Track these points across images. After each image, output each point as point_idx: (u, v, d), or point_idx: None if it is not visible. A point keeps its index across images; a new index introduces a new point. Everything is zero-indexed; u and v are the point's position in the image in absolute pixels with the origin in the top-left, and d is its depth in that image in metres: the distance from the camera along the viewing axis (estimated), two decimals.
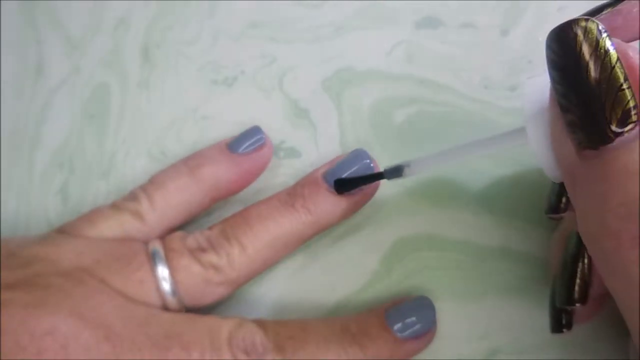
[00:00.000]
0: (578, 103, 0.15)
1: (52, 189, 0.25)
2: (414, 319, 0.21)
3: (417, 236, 0.23)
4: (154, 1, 0.26)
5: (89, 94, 0.26)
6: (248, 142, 0.24)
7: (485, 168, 0.23)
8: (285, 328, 0.21)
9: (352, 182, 0.22)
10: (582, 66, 0.14)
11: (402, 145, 0.24)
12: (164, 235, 0.22)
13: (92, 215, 0.23)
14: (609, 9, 0.17)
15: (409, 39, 0.25)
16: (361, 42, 0.25)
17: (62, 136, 0.26)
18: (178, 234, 0.22)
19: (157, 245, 0.21)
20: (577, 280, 0.18)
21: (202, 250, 0.21)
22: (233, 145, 0.24)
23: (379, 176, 0.21)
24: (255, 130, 0.24)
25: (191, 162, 0.23)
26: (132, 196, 0.23)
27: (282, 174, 0.25)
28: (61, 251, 0.21)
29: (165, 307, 0.21)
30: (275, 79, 0.25)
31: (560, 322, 0.19)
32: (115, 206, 0.23)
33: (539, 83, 0.17)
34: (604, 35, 0.14)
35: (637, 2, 0.17)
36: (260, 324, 0.21)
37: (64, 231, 0.22)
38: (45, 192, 0.25)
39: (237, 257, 0.21)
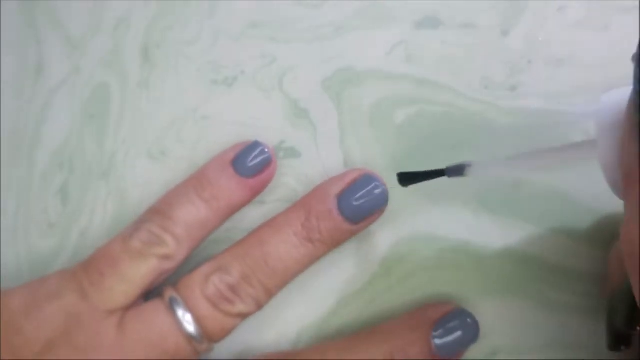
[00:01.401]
0: None
1: (52, 189, 0.26)
2: (461, 340, 0.21)
3: (417, 236, 0.23)
4: (154, 1, 0.26)
5: (89, 94, 0.26)
6: (255, 161, 0.23)
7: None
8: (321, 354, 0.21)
9: (414, 177, 0.22)
10: None
11: (402, 145, 0.24)
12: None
13: (119, 268, 0.21)
14: None
15: (409, 39, 0.25)
16: (361, 42, 0.25)
17: (62, 136, 0.26)
18: (196, 282, 0.21)
19: (180, 302, 0.21)
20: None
21: (229, 302, 0.21)
22: (240, 167, 0.23)
23: (441, 173, 0.21)
24: (258, 146, 0.23)
25: (205, 193, 0.23)
26: (155, 238, 0.22)
27: (282, 174, 0.25)
28: (95, 345, 0.21)
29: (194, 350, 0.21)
30: (275, 79, 0.25)
31: (619, 340, 0.19)
32: (138, 251, 0.22)
33: (618, 94, 0.17)
34: None
35: None
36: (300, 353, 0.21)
37: (92, 300, 0.21)
38: (45, 192, 0.26)
39: (263, 299, 0.22)
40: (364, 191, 0.22)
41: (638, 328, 0.18)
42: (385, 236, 0.23)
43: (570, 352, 0.22)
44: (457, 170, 0.21)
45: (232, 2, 0.26)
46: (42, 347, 0.21)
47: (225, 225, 0.24)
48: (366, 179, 0.23)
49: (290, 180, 0.24)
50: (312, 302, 0.24)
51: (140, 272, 0.21)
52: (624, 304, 0.18)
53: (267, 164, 0.23)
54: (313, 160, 0.25)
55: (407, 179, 0.22)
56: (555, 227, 0.23)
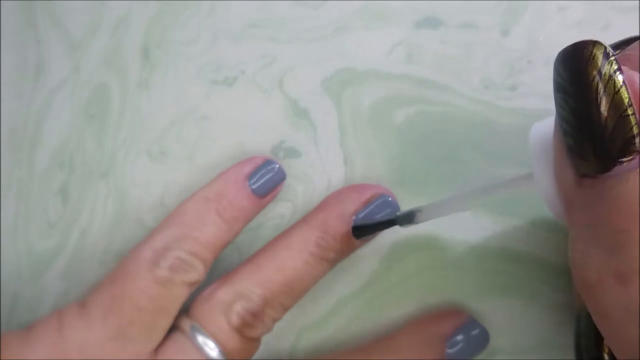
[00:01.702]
0: (578, 127, 0.14)
1: (52, 189, 0.25)
2: (472, 352, 0.21)
3: (416, 236, 0.23)
4: (154, 1, 0.26)
5: (89, 94, 0.26)
6: (271, 182, 0.23)
7: (485, 168, 0.23)
8: None
9: (367, 228, 0.22)
10: (585, 88, 0.14)
11: (402, 145, 0.24)
12: None
13: (157, 300, 0.20)
14: (617, 52, 0.16)
15: (409, 39, 0.25)
16: (361, 42, 0.25)
17: (62, 136, 0.26)
18: (217, 310, 0.21)
19: (201, 331, 0.20)
20: None
21: (251, 326, 0.21)
22: (258, 188, 0.23)
23: (392, 223, 0.21)
24: (272, 165, 0.23)
25: (227, 215, 0.22)
26: (184, 264, 0.21)
27: None
28: None
29: None
30: (275, 79, 0.25)
31: None
32: (171, 281, 0.20)
33: (547, 123, 0.16)
34: (611, 58, 0.14)
35: None
36: None
37: (130, 338, 0.19)
38: (45, 192, 0.26)
39: (280, 317, 0.22)
40: (380, 213, 0.22)
41: (605, 356, 0.17)
42: (385, 236, 0.23)
43: (570, 352, 0.22)
44: (407, 218, 0.21)
45: (232, 2, 0.26)
46: None
47: None
48: (383, 203, 0.22)
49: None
50: (312, 302, 0.24)
51: (178, 302, 0.21)
52: (590, 326, 0.18)
53: (279, 182, 0.23)
54: (313, 160, 0.25)
55: (361, 231, 0.22)
56: (554, 227, 0.23)
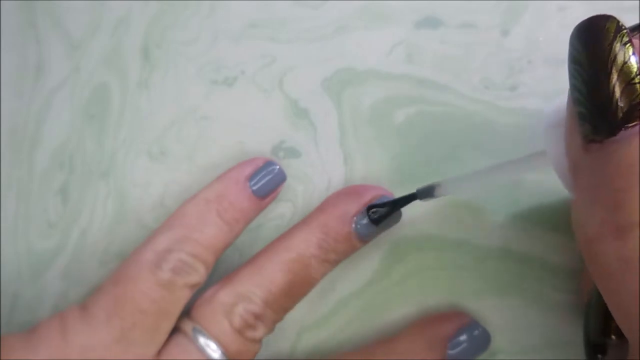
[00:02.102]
0: (588, 95, 0.15)
1: (52, 189, 0.25)
2: (473, 354, 0.21)
3: (417, 236, 0.23)
4: (154, 1, 0.26)
5: (89, 94, 0.26)
6: (271, 184, 0.23)
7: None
8: None
9: (387, 208, 0.22)
10: (596, 58, 0.15)
11: (402, 145, 0.24)
12: None
13: (160, 302, 0.20)
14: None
15: (409, 39, 0.25)
16: (361, 42, 0.25)
17: (62, 136, 0.26)
18: (218, 312, 0.21)
19: (204, 334, 0.20)
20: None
21: (252, 328, 0.21)
22: (258, 190, 0.23)
23: (412, 197, 0.21)
24: (272, 166, 0.23)
25: (228, 216, 0.22)
26: (186, 267, 0.21)
27: None
28: None
29: None
30: (275, 79, 0.25)
31: (596, 350, 0.19)
32: (173, 283, 0.20)
33: (560, 103, 0.17)
34: (623, 31, 0.15)
35: None
36: None
37: (133, 341, 0.19)
38: (45, 192, 0.26)
39: (281, 318, 0.22)
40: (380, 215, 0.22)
41: (613, 337, 0.18)
42: (385, 236, 0.23)
43: (570, 352, 0.22)
44: (427, 192, 0.21)
45: (232, 2, 0.26)
46: None
47: None
48: (384, 200, 0.22)
49: (290, 180, 0.24)
50: (312, 302, 0.24)
51: (180, 304, 0.21)
52: (598, 313, 0.19)
53: (280, 183, 0.24)
54: (313, 160, 0.25)
55: (380, 213, 0.22)
56: (555, 227, 0.23)
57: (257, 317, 0.21)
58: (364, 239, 0.22)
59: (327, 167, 0.24)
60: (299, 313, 0.23)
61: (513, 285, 0.23)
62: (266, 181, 0.23)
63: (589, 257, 0.15)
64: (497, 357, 0.22)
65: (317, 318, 0.24)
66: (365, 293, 0.23)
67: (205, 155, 0.25)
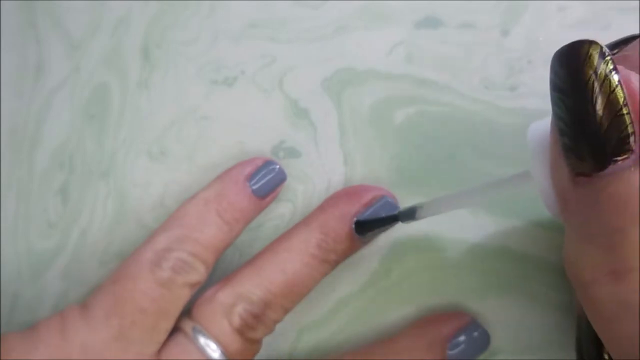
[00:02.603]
0: (574, 126, 0.14)
1: (52, 189, 0.25)
2: (473, 354, 0.21)
3: (416, 236, 0.23)
4: (154, 1, 0.26)
5: (89, 94, 0.26)
6: (272, 183, 0.23)
7: (485, 168, 0.23)
8: None
9: (369, 224, 0.22)
10: (580, 87, 0.14)
11: (402, 145, 0.24)
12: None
13: (159, 301, 0.20)
14: (615, 51, 0.16)
15: (409, 39, 0.25)
16: (361, 42, 0.25)
17: (62, 136, 0.26)
18: (218, 312, 0.21)
19: (203, 333, 0.20)
20: None
21: (252, 328, 0.21)
22: (258, 189, 0.23)
23: (394, 219, 0.21)
24: (272, 165, 0.23)
25: (228, 216, 0.22)
26: (186, 266, 0.21)
27: None
28: None
29: None
30: (275, 79, 0.25)
31: None
32: (170, 281, 0.20)
33: (544, 123, 0.17)
34: (607, 57, 0.14)
35: None
36: None
37: (131, 339, 0.19)
38: (45, 192, 0.26)
39: (281, 319, 0.22)
40: (381, 213, 0.22)
41: (605, 357, 0.17)
42: (385, 236, 0.23)
43: (570, 352, 0.22)
44: (408, 214, 0.21)
45: (232, 2, 0.26)
46: None
47: None
48: (385, 204, 0.22)
49: (290, 180, 0.24)
50: (312, 302, 0.24)
51: (180, 303, 0.21)
52: (589, 332, 0.18)
53: (280, 183, 0.24)
54: (313, 160, 0.25)
55: (363, 227, 0.22)
56: (554, 227, 0.23)
57: (257, 317, 0.21)
58: (364, 239, 0.22)
59: (327, 167, 0.24)
60: (299, 313, 0.23)
61: (513, 285, 0.23)
62: (266, 181, 0.23)
63: (584, 299, 0.15)
64: (497, 357, 0.22)
65: (317, 318, 0.24)
66: (365, 293, 0.23)
67: (205, 155, 0.25)
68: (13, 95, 0.26)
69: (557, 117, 0.15)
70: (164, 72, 0.26)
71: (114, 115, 0.26)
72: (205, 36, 0.26)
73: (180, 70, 0.26)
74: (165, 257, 0.21)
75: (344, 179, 0.24)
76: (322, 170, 0.24)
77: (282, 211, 0.24)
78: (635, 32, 0.23)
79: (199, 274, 0.21)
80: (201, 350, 0.20)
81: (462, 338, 0.21)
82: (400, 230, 0.23)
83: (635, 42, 0.16)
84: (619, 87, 0.13)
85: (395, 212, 0.21)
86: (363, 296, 0.23)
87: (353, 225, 0.22)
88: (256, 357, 0.23)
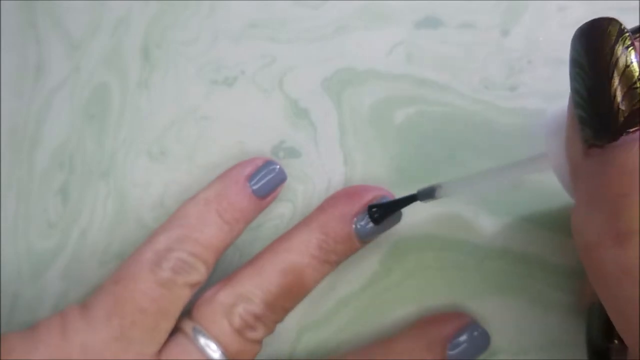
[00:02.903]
0: (589, 99, 0.15)
1: (52, 188, 0.25)
2: (472, 354, 0.21)
3: (416, 236, 0.23)
4: (154, 1, 0.26)
5: (89, 94, 0.26)
6: (272, 183, 0.23)
7: (485, 168, 0.23)
8: None
9: (388, 208, 0.22)
10: (598, 62, 0.15)
11: (402, 145, 0.24)
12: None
13: (160, 301, 0.20)
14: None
15: (409, 39, 0.25)
16: (361, 42, 0.25)
17: (62, 136, 0.26)
18: (218, 312, 0.21)
19: (205, 335, 0.20)
20: None
21: (253, 328, 0.21)
22: (259, 189, 0.23)
23: (413, 198, 0.21)
24: (272, 165, 0.23)
25: (228, 216, 0.22)
26: (186, 266, 0.21)
27: None
28: None
29: None
30: (275, 79, 0.25)
31: (598, 354, 0.19)
32: (173, 283, 0.20)
33: (561, 106, 0.17)
34: (625, 34, 0.15)
35: None
36: None
37: (132, 339, 0.19)
38: (45, 192, 0.26)
39: (281, 319, 0.22)
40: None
41: (615, 341, 0.18)
42: (385, 236, 0.23)
43: (570, 352, 0.22)
44: (428, 194, 0.21)
45: (232, 2, 0.26)
46: None
47: None
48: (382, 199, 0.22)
49: (290, 180, 0.24)
50: (312, 302, 0.24)
51: (180, 303, 0.21)
52: (600, 317, 0.19)
53: (280, 183, 0.23)
54: (313, 160, 0.25)
55: (380, 212, 0.22)
56: (554, 227, 0.23)
57: (257, 317, 0.21)
58: (364, 239, 0.22)
59: (327, 167, 0.24)
60: (299, 313, 0.23)
61: (513, 285, 0.23)
62: (266, 181, 0.23)
63: (587, 263, 0.15)
64: (497, 357, 0.22)
65: (317, 318, 0.24)
66: (365, 293, 0.23)
67: (205, 155, 0.25)
68: (13, 95, 0.26)
69: (574, 91, 0.15)
70: (164, 72, 0.26)
71: (114, 115, 0.26)
72: (205, 36, 0.26)
73: (180, 70, 0.26)
74: (166, 257, 0.21)
75: (344, 179, 0.24)
76: (322, 170, 0.24)
77: (282, 211, 0.24)
78: None
79: (199, 274, 0.21)
80: (201, 351, 0.20)
81: (462, 338, 0.21)
82: (400, 230, 0.23)
83: None
84: (634, 62, 0.14)
85: (414, 192, 0.21)
86: (363, 296, 0.23)
87: (367, 214, 0.22)
88: (256, 357, 0.23)
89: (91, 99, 0.26)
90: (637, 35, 0.17)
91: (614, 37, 0.15)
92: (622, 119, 0.14)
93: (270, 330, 0.22)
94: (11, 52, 0.27)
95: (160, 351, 0.21)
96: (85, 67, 0.26)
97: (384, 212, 0.22)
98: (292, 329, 0.24)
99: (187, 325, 0.21)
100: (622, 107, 0.14)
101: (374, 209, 0.22)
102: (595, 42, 0.15)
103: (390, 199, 0.22)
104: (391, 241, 0.24)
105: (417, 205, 0.23)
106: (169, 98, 0.26)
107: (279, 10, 0.26)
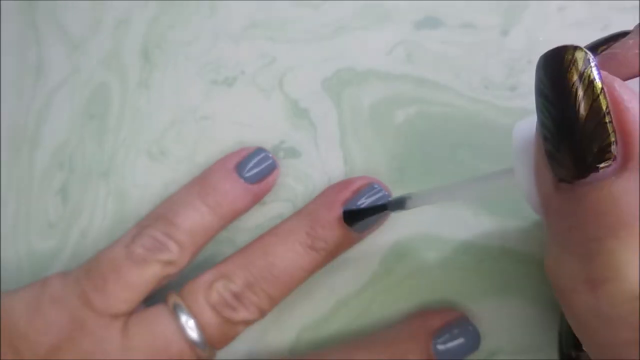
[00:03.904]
0: (557, 132, 0.14)
1: (52, 189, 0.26)
2: (461, 350, 0.21)
3: (416, 236, 0.23)
4: (154, 1, 0.26)
5: (89, 94, 0.26)
6: (259, 167, 0.23)
7: (485, 168, 0.23)
8: None
9: (358, 213, 0.22)
10: (564, 94, 0.14)
11: (402, 145, 0.24)
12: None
13: (121, 274, 0.21)
14: (604, 47, 0.16)
15: (409, 39, 0.25)
16: (361, 42, 0.25)
17: (62, 136, 0.26)
18: (200, 288, 0.21)
19: (183, 308, 0.21)
20: None
21: (233, 309, 0.21)
22: (244, 173, 0.23)
23: (383, 208, 0.21)
24: (262, 153, 0.24)
25: (210, 199, 0.22)
26: (158, 244, 0.22)
27: (282, 174, 0.25)
28: (101, 350, 0.21)
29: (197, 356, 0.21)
30: (275, 79, 0.25)
31: (567, 358, 0.19)
32: (142, 258, 0.21)
33: (529, 122, 0.17)
34: (592, 64, 0.14)
35: (636, 42, 0.16)
36: None
37: (95, 306, 0.21)
38: (45, 192, 0.26)
39: (266, 307, 0.22)
40: (369, 200, 0.22)
41: (584, 350, 0.18)
42: (385, 236, 0.23)
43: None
44: (398, 204, 0.21)
45: (232, 2, 0.26)
46: (47, 351, 0.20)
47: None
48: (371, 190, 0.23)
49: (290, 180, 0.24)
50: (312, 302, 0.24)
51: (143, 278, 0.21)
52: (570, 328, 0.18)
53: (270, 170, 0.24)
54: (313, 160, 0.25)
55: (352, 216, 0.22)
56: None
57: (236, 296, 0.21)
58: (356, 229, 0.22)
59: (327, 167, 0.24)
60: (299, 313, 0.24)
61: (513, 285, 0.23)
62: (254, 165, 0.23)
63: (563, 304, 0.15)
64: (497, 357, 0.22)
65: (317, 318, 0.24)
66: (365, 293, 0.23)
67: (205, 155, 0.25)
68: (13, 95, 0.27)
69: (541, 123, 0.15)
70: (164, 72, 0.26)
71: (114, 115, 0.26)
72: (205, 36, 0.26)
73: (180, 71, 0.26)
74: (140, 234, 0.22)
75: (344, 178, 0.24)
76: (322, 170, 0.24)
77: (282, 211, 0.24)
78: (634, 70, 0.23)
79: (170, 252, 0.22)
80: (174, 318, 0.21)
81: (450, 333, 0.21)
82: (400, 230, 0.23)
83: (624, 39, 0.16)
84: (602, 94, 0.14)
85: (385, 202, 0.21)
86: (363, 296, 0.23)
87: (342, 212, 0.22)
88: (256, 357, 0.23)
89: (91, 99, 0.26)
90: (605, 47, 0.16)
91: (580, 67, 0.14)
92: (590, 156, 0.14)
93: (252, 315, 0.21)
94: (11, 52, 0.27)
95: (136, 315, 0.21)
96: (85, 67, 0.26)
97: (355, 217, 0.22)
98: (292, 329, 0.24)
99: (170, 298, 0.21)
100: (591, 142, 0.13)
101: (346, 213, 0.22)
102: (560, 72, 0.14)
103: (378, 184, 0.23)
104: (391, 241, 0.24)
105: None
106: (169, 98, 0.26)
107: (279, 10, 0.26)
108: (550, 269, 0.15)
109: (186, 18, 0.26)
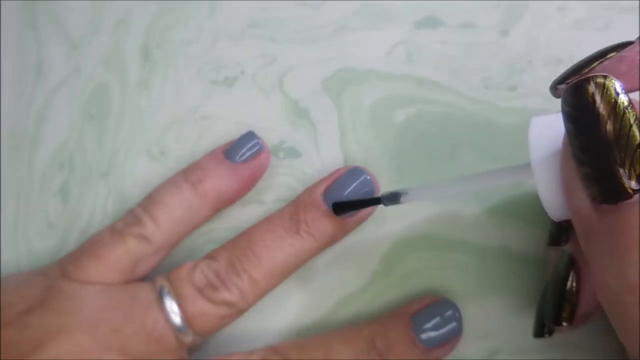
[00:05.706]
0: (596, 158, 0.15)
1: (52, 189, 0.26)
2: (440, 327, 0.21)
3: (416, 236, 0.23)
4: (154, 1, 0.26)
5: (89, 94, 0.26)
6: (245, 148, 0.24)
7: (485, 167, 0.23)
8: (307, 353, 0.21)
9: (349, 205, 0.22)
10: (601, 123, 0.14)
11: (402, 145, 0.24)
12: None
13: (96, 248, 0.22)
14: (613, 54, 0.17)
15: (409, 39, 0.25)
16: (361, 42, 0.25)
17: (62, 136, 0.26)
18: (185, 269, 0.22)
19: (166, 288, 0.21)
20: (565, 302, 0.19)
21: (213, 288, 0.21)
22: (231, 154, 0.23)
23: (376, 201, 0.21)
24: (251, 136, 0.24)
25: (192, 176, 0.23)
26: (134, 218, 0.23)
27: (282, 174, 0.25)
28: (72, 308, 0.21)
29: (179, 342, 0.21)
30: (275, 79, 0.25)
31: (542, 329, 0.20)
32: (118, 232, 0.22)
33: (547, 123, 0.17)
34: (622, 92, 0.15)
35: None
36: (284, 353, 0.21)
37: (70, 275, 0.22)
38: (45, 192, 0.26)
39: (248, 290, 0.22)
40: (351, 181, 0.23)
41: (564, 324, 0.19)
42: (385, 236, 0.23)
43: (570, 352, 0.22)
44: (392, 198, 0.21)
45: (232, 2, 0.26)
46: (19, 312, 0.21)
47: (224, 225, 0.24)
48: (353, 173, 0.23)
49: (290, 180, 0.24)
50: (312, 302, 0.24)
51: (116, 253, 0.22)
52: (553, 301, 0.19)
53: (258, 152, 0.24)
54: (313, 160, 0.25)
55: (341, 207, 0.22)
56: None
57: (218, 275, 0.21)
58: (332, 208, 0.22)
59: (327, 167, 0.24)
60: (299, 313, 0.24)
61: (513, 285, 0.23)
62: (241, 146, 0.24)
63: (622, 322, 0.15)
64: (497, 357, 0.22)
65: (317, 318, 0.24)
66: (366, 293, 0.23)
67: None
68: (13, 95, 0.27)
69: (575, 147, 0.15)
70: (164, 72, 0.26)
71: (114, 115, 0.26)
72: (205, 36, 0.26)
73: (180, 70, 0.26)
74: (126, 214, 0.23)
75: None
76: (322, 170, 0.24)
77: None
78: (635, 32, 0.23)
79: (144, 226, 0.22)
80: (154, 289, 0.21)
81: (431, 312, 0.22)
82: (400, 230, 0.23)
83: (635, 44, 0.17)
84: (637, 121, 0.14)
85: (378, 195, 0.21)
86: (363, 296, 0.23)
87: (325, 198, 0.22)
88: (256, 357, 0.23)
89: (91, 99, 0.26)
90: (613, 54, 0.17)
91: (612, 95, 0.15)
92: (634, 176, 0.14)
93: (232, 296, 0.21)
94: (11, 52, 0.27)
95: (115, 285, 0.22)
96: (85, 67, 0.26)
97: (346, 209, 0.22)
98: (293, 329, 0.24)
99: (158, 279, 0.22)
100: (633, 165, 0.14)
101: (336, 205, 0.22)
102: (593, 101, 0.15)
103: (359, 168, 0.23)
104: (391, 241, 0.24)
105: (416, 204, 0.23)
106: (169, 98, 0.26)
107: (279, 10, 0.26)
108: (606, 286, 0.15)
109: (186, 18, 0.26)
